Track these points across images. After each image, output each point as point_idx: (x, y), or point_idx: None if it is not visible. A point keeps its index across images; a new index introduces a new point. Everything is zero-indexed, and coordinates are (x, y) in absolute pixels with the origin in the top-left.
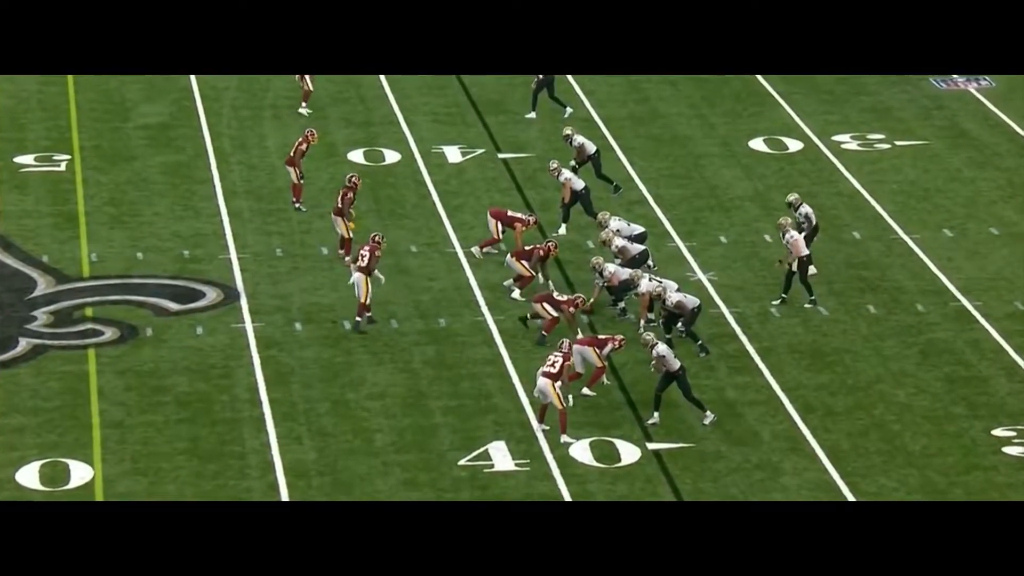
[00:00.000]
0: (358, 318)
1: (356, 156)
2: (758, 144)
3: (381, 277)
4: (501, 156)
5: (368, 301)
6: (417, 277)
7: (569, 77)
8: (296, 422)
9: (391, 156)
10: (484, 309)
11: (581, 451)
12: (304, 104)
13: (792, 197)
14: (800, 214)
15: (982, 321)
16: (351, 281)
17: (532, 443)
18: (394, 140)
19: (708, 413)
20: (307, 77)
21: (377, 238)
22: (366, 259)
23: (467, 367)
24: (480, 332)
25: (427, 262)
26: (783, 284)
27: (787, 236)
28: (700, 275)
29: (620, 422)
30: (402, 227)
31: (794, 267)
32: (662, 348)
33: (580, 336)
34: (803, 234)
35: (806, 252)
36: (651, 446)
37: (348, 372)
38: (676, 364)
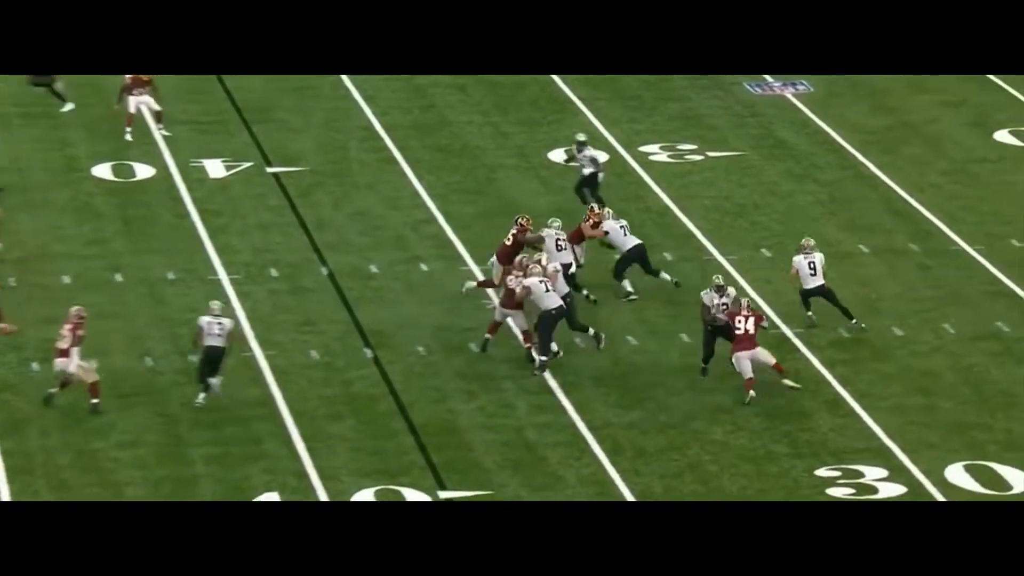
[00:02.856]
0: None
1: (102, 171)
2: (558, 155)
3: (91, 364)
4: (271, 170)
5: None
6: (175, 308)
7: (345, 79)
8: (33, 475)
9: (143, 171)
10: (253, 343)
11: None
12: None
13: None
14: (583, 157)
15: (803, 350)
16: (59, 369)
17: (308, 493)
18: (146, 152)
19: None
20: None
21: (78, 314)
22: (67, 340)
23: (232, 410)
24: (248, 369)
25: (186, 291)
26: (840, 309)
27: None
28: (495, 300)
29: (408, 468)
30: (156, 251)
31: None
32: None
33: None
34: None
35: (817, 283)
36: (443, 495)
37: (94, 418)
38: None
